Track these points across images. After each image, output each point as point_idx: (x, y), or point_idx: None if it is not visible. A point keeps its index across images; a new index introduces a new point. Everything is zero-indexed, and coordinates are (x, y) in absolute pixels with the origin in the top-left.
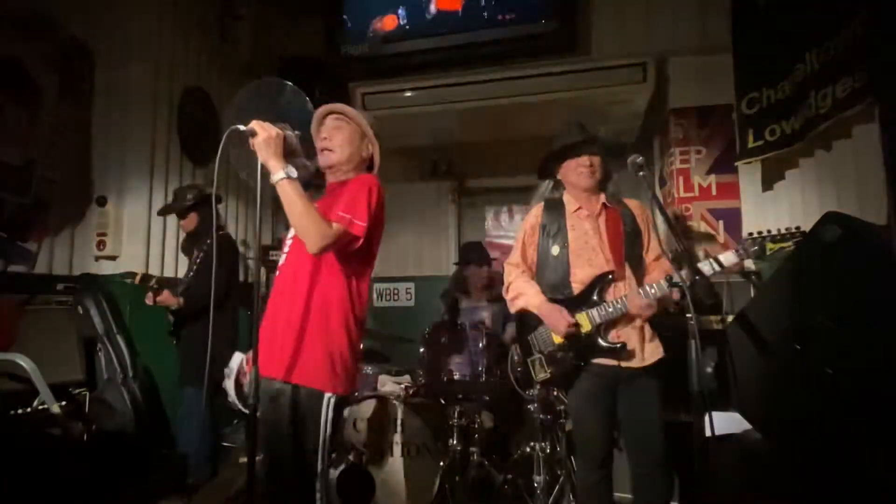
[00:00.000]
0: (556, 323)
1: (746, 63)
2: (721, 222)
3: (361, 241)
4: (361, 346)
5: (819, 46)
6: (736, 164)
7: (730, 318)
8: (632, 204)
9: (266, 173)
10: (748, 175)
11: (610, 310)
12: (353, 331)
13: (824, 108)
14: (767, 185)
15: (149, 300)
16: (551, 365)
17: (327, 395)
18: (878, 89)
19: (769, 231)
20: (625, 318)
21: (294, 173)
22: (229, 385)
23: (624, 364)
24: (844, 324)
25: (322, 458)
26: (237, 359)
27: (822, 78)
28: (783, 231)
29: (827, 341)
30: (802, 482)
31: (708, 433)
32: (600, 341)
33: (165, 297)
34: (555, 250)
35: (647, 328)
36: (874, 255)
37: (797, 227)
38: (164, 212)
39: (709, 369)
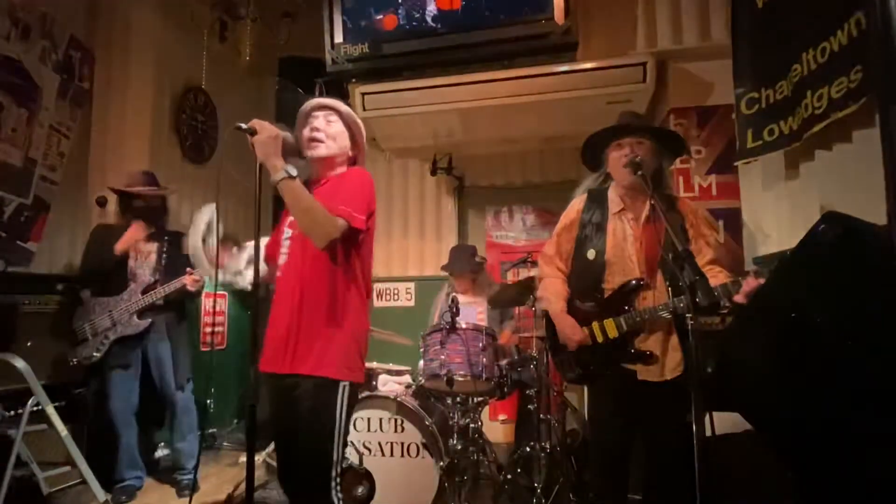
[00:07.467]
0: (566, 338)
1: (746, 63)
2: (721, 222)
3: (362, 234)
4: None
5: (815, 46)
6: (736, 164)
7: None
8: (685, 207)
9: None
10: (748, 175)
11: (637, 319)
12: (362, 318)
13: (820, 108)
14: (767, 185)
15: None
16: (579, 365)
17: (342, 383)
18: (877, 89)
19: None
20: (653, 326)
21: (294, 171)
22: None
23: (645, 377)
24: (844, 323)
25: (338, 446)
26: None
27: (817, 78)
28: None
29: (827, 341)
30: (803, 482)
31: (708, 433)
32: (627, 348)
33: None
34: (591, 254)
35: (674, 339)
36: (874, 255)
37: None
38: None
39: (709, 369)
